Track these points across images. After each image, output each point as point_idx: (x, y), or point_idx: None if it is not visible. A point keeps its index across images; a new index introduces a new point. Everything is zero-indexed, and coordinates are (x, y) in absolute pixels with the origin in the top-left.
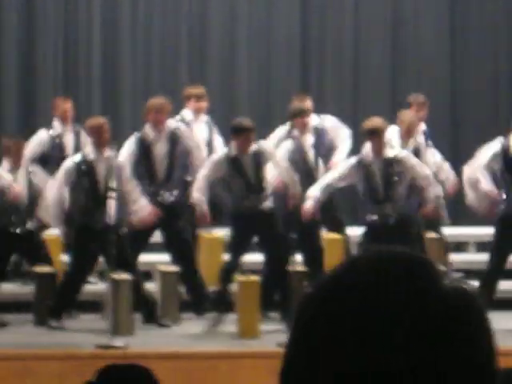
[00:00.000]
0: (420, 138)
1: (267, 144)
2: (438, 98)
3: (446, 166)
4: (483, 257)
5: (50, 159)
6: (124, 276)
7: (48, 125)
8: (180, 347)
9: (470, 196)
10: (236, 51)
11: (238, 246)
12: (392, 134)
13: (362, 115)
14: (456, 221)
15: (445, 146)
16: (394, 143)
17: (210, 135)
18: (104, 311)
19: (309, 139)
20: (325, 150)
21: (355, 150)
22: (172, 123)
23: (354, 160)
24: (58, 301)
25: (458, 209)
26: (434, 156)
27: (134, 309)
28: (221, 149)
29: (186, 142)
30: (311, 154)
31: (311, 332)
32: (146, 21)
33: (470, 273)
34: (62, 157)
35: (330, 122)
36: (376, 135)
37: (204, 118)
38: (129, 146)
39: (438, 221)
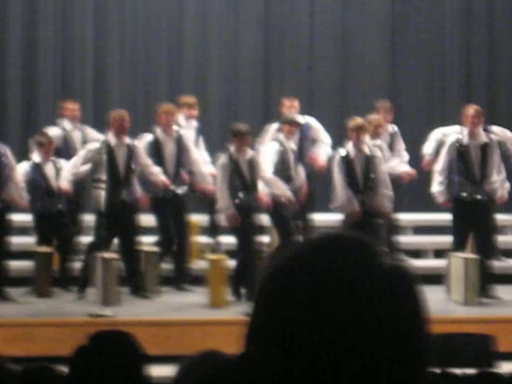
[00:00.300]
0: (386, 139)
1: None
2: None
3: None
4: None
5: (61, 152)
6: (112, 255)
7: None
8: (159, 316)
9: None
10: (208, 65)
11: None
12: None
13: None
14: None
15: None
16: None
17: (197, 138)
18: (95, 285)
19: (292, 144)
20: (308, 144)
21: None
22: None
23: (338, 157)
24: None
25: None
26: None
27: (120, 283)
28: (203, 150)
29: (187, 143)
30: (291, 157)
31: (269, 303)
32: (131, 39)
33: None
34: (72, 150)
35: (313, 122)
36: (361, 131)
37: (194, 123)
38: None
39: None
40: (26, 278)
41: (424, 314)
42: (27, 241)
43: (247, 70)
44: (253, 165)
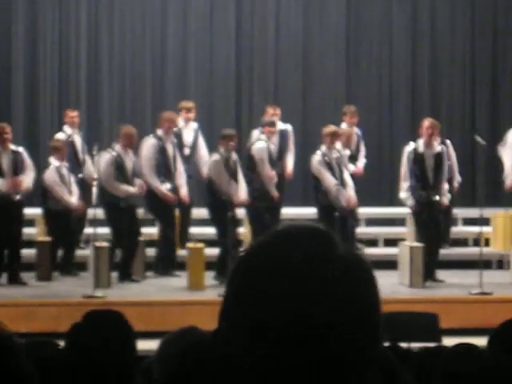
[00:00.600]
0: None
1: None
2: (336, 115)
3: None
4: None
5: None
6: (103, 244)
7: (48, 132)
8: (145, 297)
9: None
10: (186, 76)
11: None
12: None
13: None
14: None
15: None
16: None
17: (195, 139)
18: (89, 270)
19: (274, 141)
20: (286, 147)
21: None
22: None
23: (317, 158)
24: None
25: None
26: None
27: (110, 268)
28: (203, 149)
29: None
30: (274, 154)
31: (238, 287)
32: (119, 56)
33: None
34: (74, 152)
35: (290, 129)
36: (336, 136)
37: (193, 125)
38: (148, 149)
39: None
40: (30, 264)
41: (377, 295)
42: (30, 231)
43: (221, 80)
44: (237, 163)
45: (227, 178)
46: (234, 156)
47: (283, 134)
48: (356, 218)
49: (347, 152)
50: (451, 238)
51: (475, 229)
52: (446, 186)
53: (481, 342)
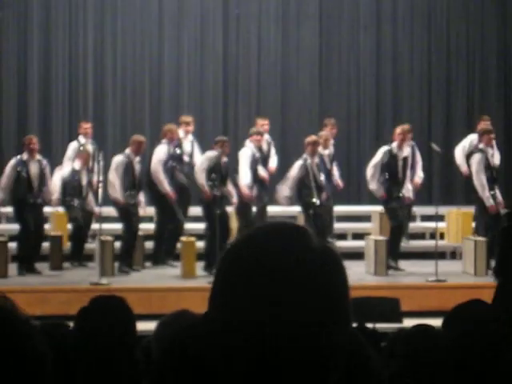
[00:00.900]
0: (331, 149)
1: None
2: (310, 126)
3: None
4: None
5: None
6: (108, 238)
7: (59, 142)
8: (144, 284)
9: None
10: (180, 92)
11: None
12: None
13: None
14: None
15: None
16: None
17: (192, 149)
18: (95, 260)
19: (264, 148)
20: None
21: None
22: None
23: (300, 162)
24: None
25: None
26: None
27: (114, 259)
28: (198, 156)
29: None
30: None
31: (226, 273)
32: (122, 73)
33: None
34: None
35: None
36: (316, 145)
37: (190, 137)
38: (163, 152)
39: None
40: (43, 256)
41: (347, 282)
42: (45, 227)
43: (210, 95)
44: (227, 166)
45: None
46: (225, 159)
47: (269, 144)
48: (331, 215)
49: (326, 152)
50: (410, 233)
51: (431, 224)
52: (409, 185)
53: (437, 322)
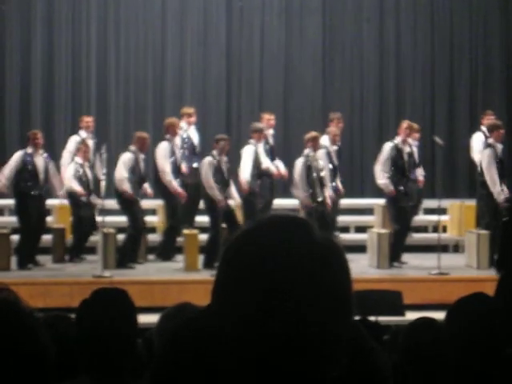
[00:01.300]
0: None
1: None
2: (313, 121)
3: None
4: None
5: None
6: (110, 230)
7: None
8: (146, 277)
9: (379, 183)
10: (183, 87)
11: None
12: (324, 141)
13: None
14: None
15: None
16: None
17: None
18: (98, 253)
19: (261, 146)
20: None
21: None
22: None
23: (302, 160)
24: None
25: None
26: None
27: (116, 252)
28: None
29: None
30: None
31: (229, 266)
32: (125, 68)
33: None
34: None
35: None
36: (317, 141)
37: (193, 129)
38: (165, 149)
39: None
40: (46, 248)
41: (349, 275)
42: (47, 220)
43: (213, 89)
44: (228, 165)
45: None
46: (225, 158)
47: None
48: (337, 209)
49: (335, 147)
50: (413, 226)
51: (434, 217)
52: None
53: (439, 315)
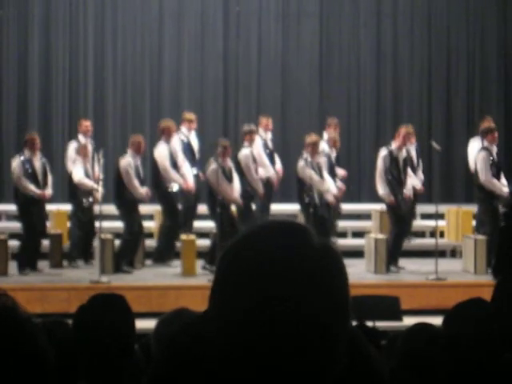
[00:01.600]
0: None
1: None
2: (310, 124)
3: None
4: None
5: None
6: (108, 236)
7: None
8: (144, 282)
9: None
10: (180, 90)
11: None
12: (322, 146)
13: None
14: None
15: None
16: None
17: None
18: (96, 259)
19: (255, 148)
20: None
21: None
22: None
23: (302, 162)
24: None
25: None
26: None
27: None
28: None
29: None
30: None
31: (227, 271)
32: (122, 72)
33: None
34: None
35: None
36: (317, 145)
37: (193, 135)
38: (165, 150)
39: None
40: (43, 253)
41: (347, 280)
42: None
43: (210, 93)
44: (231, 170)
45: (224, 184)
46: (229, 163)
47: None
48: (337, 213)
49: (334, 153)
50: (411, 231)
51: (431, 222)
52: (409, 185)
53: (437, 321)
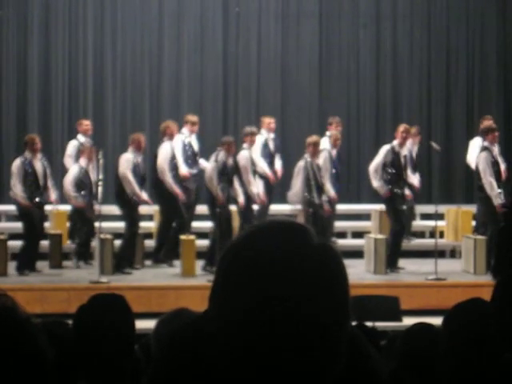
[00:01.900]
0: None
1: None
2: (310, 124)
3: None
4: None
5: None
6: (108, 236)
7: (59, 140)
8: (144, 282)
9: (374, 185)
10: (180, 91)
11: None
12: (324, 144)
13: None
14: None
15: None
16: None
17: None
18: (95, 259)
19: (255, 150)
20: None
21: None
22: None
23: (302, 163)
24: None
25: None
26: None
27: (114, 257)
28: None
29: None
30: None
31: (227, 271)
32: (121, 73)
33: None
34: None
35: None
36: (317, 145)
37: (194, 137)
38: (168, 150)
39: None
40: (43, 254)
41: (346, 280)
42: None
43: (210, 94)
44: (233, 167)
45: (217, 183)
46: (231, 161)
47: (275, 142)
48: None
49: (335, 151)
50: (411, 231)
51: (431, 223)
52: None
53: (436, 321)
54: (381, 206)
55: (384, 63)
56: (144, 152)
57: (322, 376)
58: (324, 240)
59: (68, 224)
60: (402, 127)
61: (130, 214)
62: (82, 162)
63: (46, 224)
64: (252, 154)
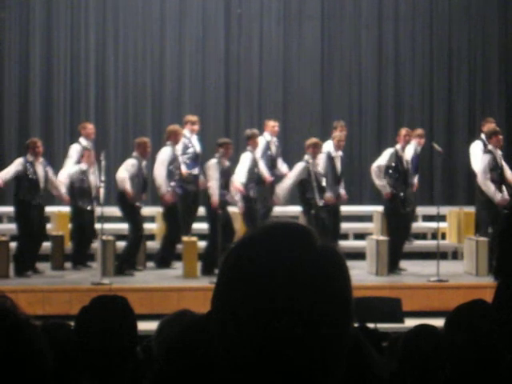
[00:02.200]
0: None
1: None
2: (312, 127)
3: None
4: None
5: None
6: (109, 237)
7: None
8: (146, 284)
9: (377, 183)
10: (182, 92)
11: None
12: (327, 146)
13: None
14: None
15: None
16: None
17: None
18: (97, 260)
19: (258, 153)
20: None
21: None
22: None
23: (302, 164)
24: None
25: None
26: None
27: (116, 259)
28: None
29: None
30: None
31: (230, 273)
32: (123, 75)
33: None
34: None
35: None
36: (318, 147)
37: (195, 137)
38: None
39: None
40: (44, 255)
41: (349, 282)
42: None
43: (212, 96)
44: (229, 169)
45: (217, 182)
46: (227, 163)
47: (276, 146)
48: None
49: (339, 153)
50: (412, 233)
51: (433, 224)
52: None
53: (438, 323)
54: (382, 208)
55: (386, 65)
56: (149, 156)
57: (325, 377)
58: (327, 242)
59: (70, 226)
60: (404, 131)
61: (134, 217)
62: (83, 165)
63: (48, 226)
64: (256, 156)
